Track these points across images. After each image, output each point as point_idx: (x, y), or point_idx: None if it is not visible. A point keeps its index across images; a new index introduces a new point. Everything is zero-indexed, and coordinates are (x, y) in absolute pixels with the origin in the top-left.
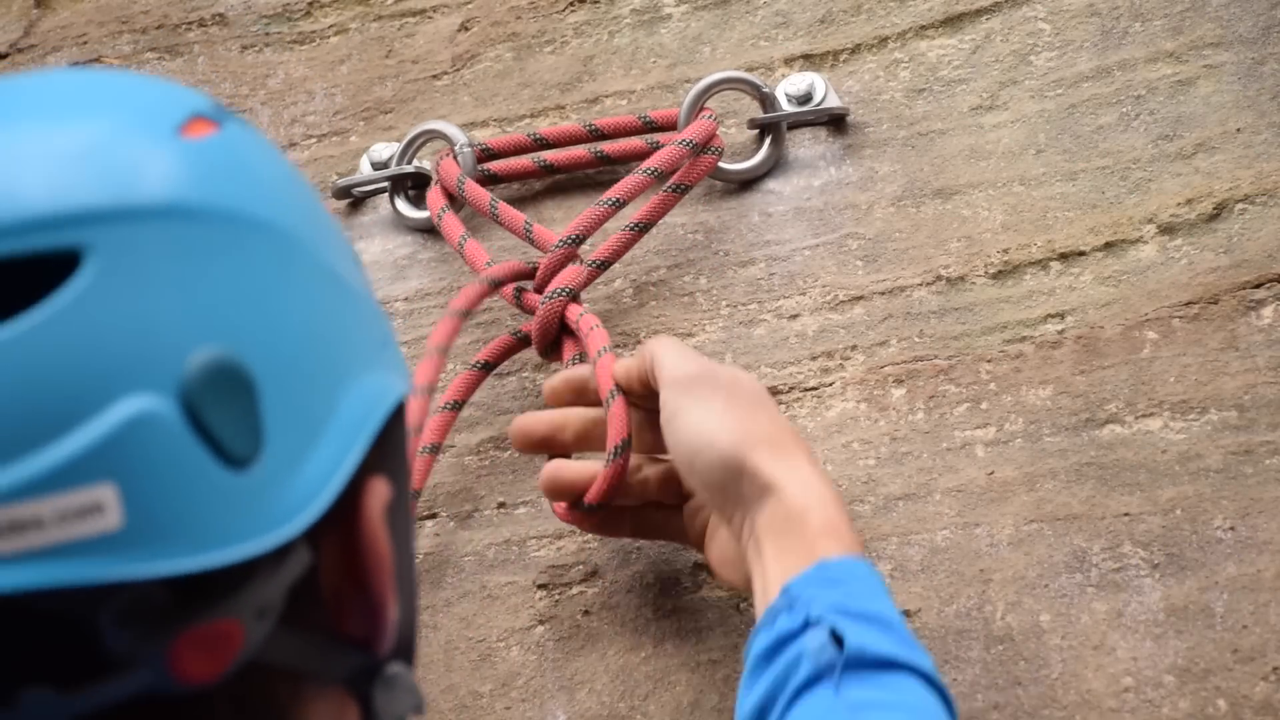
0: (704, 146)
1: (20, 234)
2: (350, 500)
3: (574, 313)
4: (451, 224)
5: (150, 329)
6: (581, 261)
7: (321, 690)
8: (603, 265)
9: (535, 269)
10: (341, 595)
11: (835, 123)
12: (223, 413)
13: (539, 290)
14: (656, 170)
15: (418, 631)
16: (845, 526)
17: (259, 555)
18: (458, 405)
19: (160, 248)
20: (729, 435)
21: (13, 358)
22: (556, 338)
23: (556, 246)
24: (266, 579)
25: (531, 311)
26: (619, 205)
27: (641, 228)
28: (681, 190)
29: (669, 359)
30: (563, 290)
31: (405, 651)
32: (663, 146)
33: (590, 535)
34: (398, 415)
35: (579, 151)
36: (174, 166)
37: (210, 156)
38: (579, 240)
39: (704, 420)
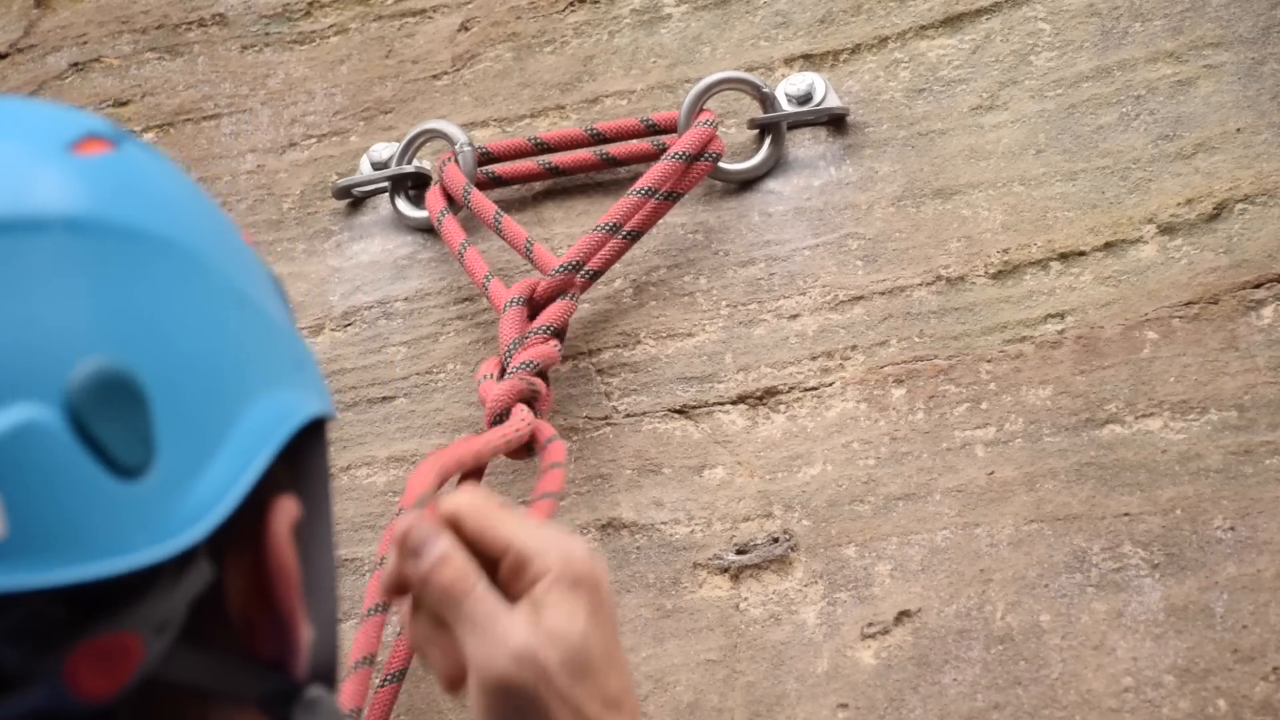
0: (700, 154)
1: None
2: (255, 516)
3: (543, 435)
4: (452, 229)
5: (34, 338)
6: (572, 296)
7: (234, 713)
8: (578, 268)
9: (482, 466)
10: (249, 614)
11: (835, 123)
12: (110, 422)
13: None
14: (652, 189)
15: (339, 654)
16: None
17: (152, 565)
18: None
19: (45, 259)
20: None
21: None
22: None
23: (554, 272)
24: (164, 592)
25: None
26: (617, 230)
27: (633, 236)
28: (674, 197)
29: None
30: (529, 364)
31: (326, 674)
32: (666, 148)
33: (590, 535)
34: (313, 437)
35: (583, 153)
36: (62, 181)
37: (103, 173)
38: (577, 266)
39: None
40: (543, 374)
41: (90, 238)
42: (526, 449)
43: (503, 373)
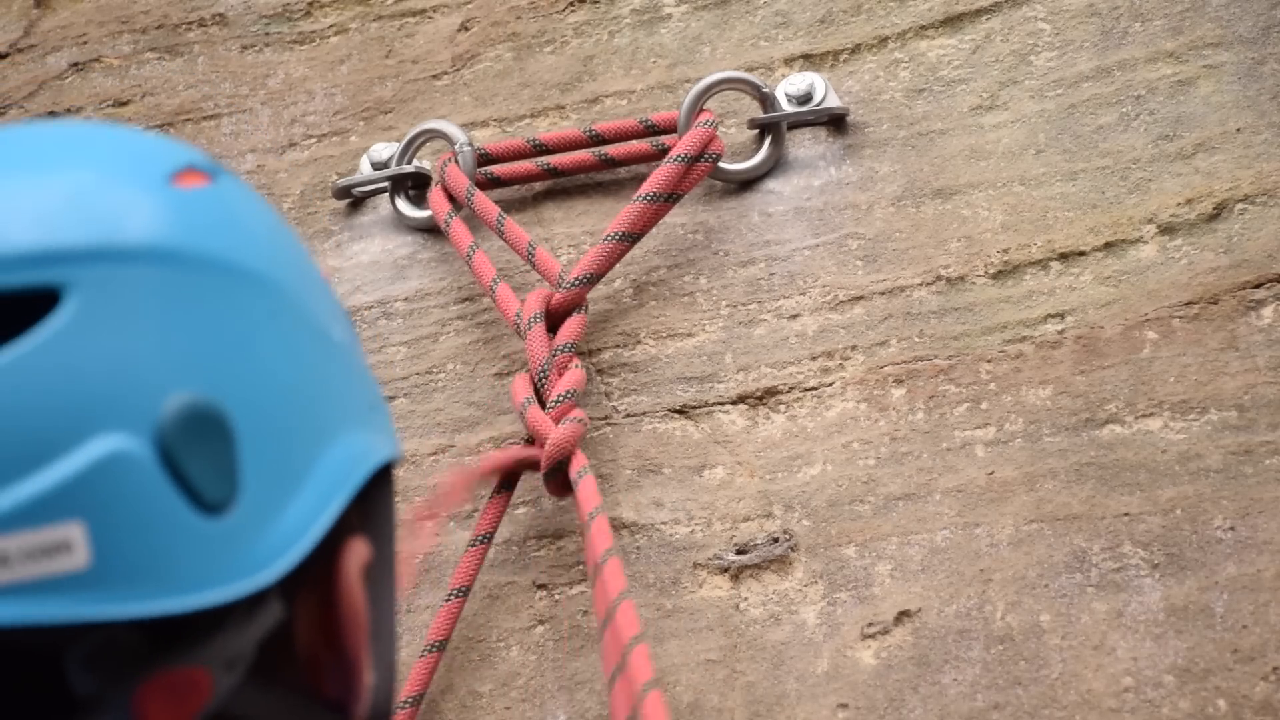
0: (700, 155)
1: (3, 270)
2: (327, 557)
3: (575, 467)
4: (460, 232)
5: (128, 369)
6: (584, 310)
7: None
8: (591, 280)
9: (538, 461)
10: (316, 654)
11: (835, 123)
12: (198, 457)
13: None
14: (656, 195)
15: (395, 698)
16: None
17: (230, 602)
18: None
19: (142, 290)
20: None
21: None
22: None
23: (569, 285)
24: (238, 629)
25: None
26: (627, 238)
27: (631, 238)
28: (674, 199)
29: None
30: (570, 394)
31: (381, 714)
32: (668, 148)
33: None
34: (383, 480)
35: (582, 154)
36: (161, 212)
37: (200, 206)
38: (592, 279)
39: None
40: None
41: (185, 270)
42: (564, 487)
43: (539, 396)
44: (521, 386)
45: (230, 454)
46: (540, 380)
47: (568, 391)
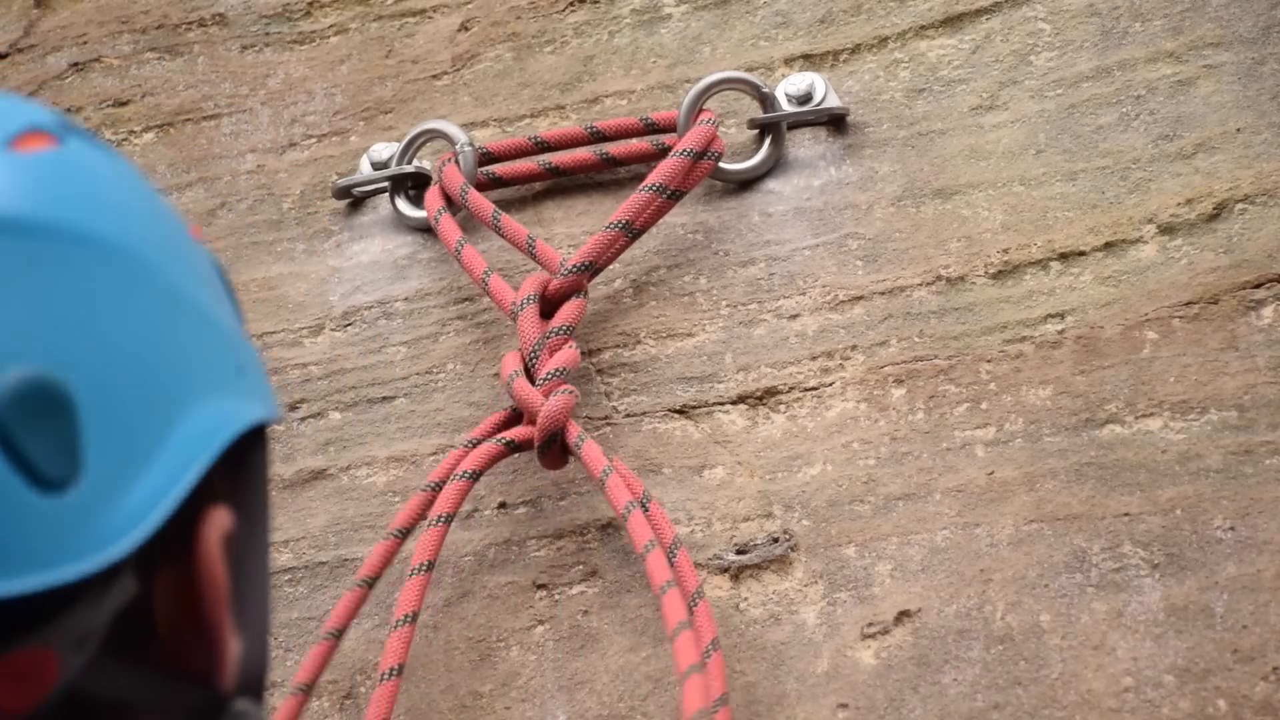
0: (704, 153)
1: None
2: (185, 528)
3: (573, 435)
4: (449, 228)
5: None
6: (583, 295)
7: None
8: (590, 268)
9: (529, 440)
10: (176, 627)
11: (835, 123)
12: (36, 434)
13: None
14: (661, 186)
15: (268, 666)
16: None
17: (75, 581)
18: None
19: None
20: None
21: None
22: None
23: (568, 271)
24: (86, 608)
25: (523, 403)
26: (628, 228)
27: (635, 233)
28: (676, 196)
29: None
30: (560, 372)
31: (254, 688)
32: (668, 148)
33: (590, 535)
34: (252, 444)
35: (583, 153)
36: None
37: (41, 170)
38: (592, 267)
39: None
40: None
41: (23, 239)
42: (560, 459)
43: (529, 373)
44: (511, 361)
45: (71, 429)
46: (531, 359)
47: (558, 369)
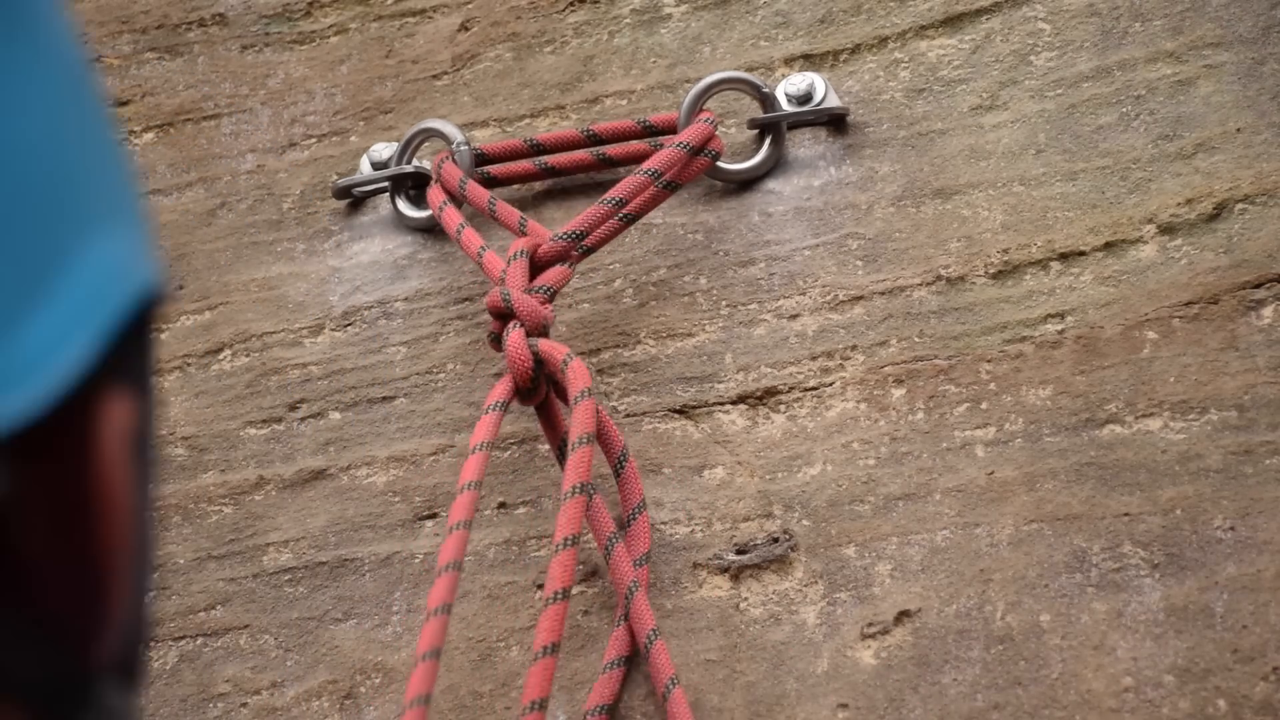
0: (701, 149)
1: None
2: (80, 409)
3: (557, 354)
4: (451, 215)
5: None
6: (570, 264)
7: None
8: (580, 237)
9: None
10: (47, 550)
11: (835, 123)
12: None
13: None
14: (656, 172)
15: (147, 646)
16: None
17: None
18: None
19: None
20: None
21: None
22: (537, 377)
23: (559, 237)
24: None
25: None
26: (621, 205)
27: (629, 218)
28: (672, 187)
29: None
30: (543, 288)
31: (126, 666)
32: (664, 148)
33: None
34: (145, 315)
35: (580, 154)
36: None
37: None
38: (580, 236)
39: None
40: (545, 335)
41: None
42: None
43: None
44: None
45: None
46: (505, 300)
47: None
